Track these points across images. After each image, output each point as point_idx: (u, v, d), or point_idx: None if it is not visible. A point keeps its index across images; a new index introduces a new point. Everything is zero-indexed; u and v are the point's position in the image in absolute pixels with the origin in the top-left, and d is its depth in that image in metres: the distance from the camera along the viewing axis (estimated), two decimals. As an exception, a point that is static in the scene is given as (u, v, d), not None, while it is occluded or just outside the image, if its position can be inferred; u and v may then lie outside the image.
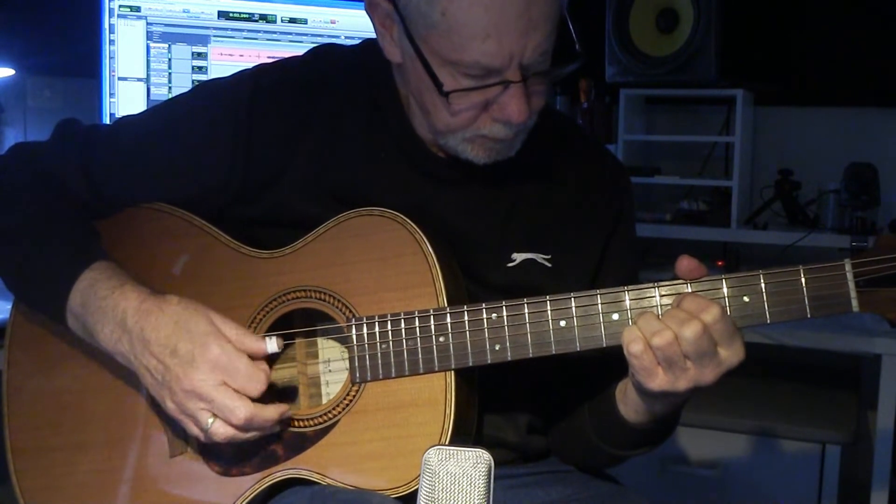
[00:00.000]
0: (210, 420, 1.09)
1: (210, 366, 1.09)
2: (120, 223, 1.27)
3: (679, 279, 1.07)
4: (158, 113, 1.31)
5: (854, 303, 1.02)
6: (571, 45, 1.11)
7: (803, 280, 1.04)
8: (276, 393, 1.19)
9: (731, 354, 1.04)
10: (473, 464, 0.86)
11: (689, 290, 1.06)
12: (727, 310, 1.05)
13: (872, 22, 2.67)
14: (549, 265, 1.24)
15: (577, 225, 1.27)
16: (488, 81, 1.08)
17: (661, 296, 1.07)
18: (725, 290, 1.05)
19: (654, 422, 1.17)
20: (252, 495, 1.15)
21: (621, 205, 1.31)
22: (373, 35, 1.20)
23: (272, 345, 1.13)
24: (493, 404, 1.23)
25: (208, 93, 1.28)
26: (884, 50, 2.64)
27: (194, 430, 1.12)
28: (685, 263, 1.07)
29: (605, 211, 1.29)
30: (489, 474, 0.86)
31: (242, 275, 1.20)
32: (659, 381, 1.05)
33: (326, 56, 1.28)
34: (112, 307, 1.14)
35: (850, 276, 1.03)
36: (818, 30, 2.73)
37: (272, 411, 1.12)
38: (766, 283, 1.04)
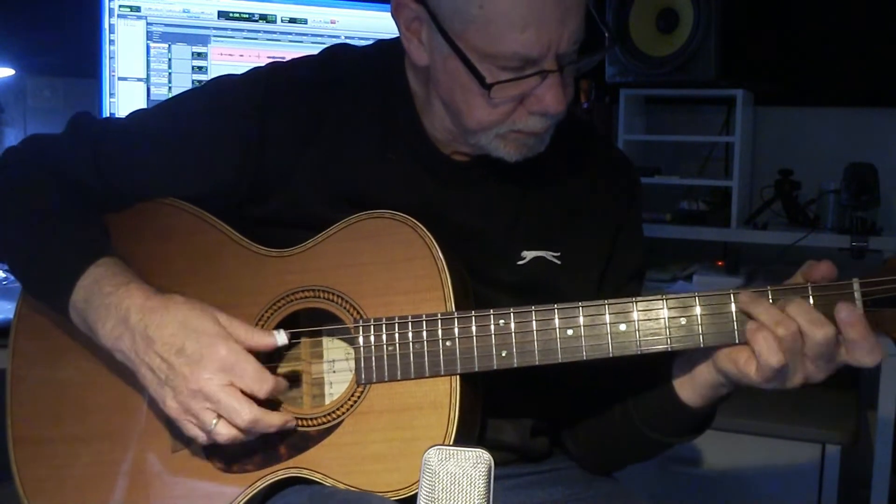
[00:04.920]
0: (214, 421, 1.09)
1: (218, 366, 1.09)
2: (131, 217, 1.26)
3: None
4: (172, 108, 1.31)
5: None
6: (598, 35, 1.12)
7: (811, 298, 1.03)
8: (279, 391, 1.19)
9: (851, 359, 1.03)
10: (473, 464, 0.86)
11: (698, 303, 1.06)
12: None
13: (872, 22, 2.67)
14: (559, 262, 1.24)
15: (587, 221, 1.27)
16: (526, 72, 1.08)
17: (669, 308, 1.07)
18: (733, 305, 1.06)
19: (714, 405, 1.17)
20: (252, 493, 1.15)
21: (630, 203, 1.31)
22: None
23: (281, 337, 1.13)
24: (498, 408, 1.23)
25: (222, 89, 1.28)
26: (884, 50, 2.64)
27: (195, 430, 1.11)
28: (823, 269, 1.05)
29: (613, 207, 1.29)
30: (489, 474, 0.86)
31: (251, 272, 1.20)
32: (777, 379, 1.04)
33: (339, 57, 1.28)
34: (116, 304, 1.13)
35: (857, 295, 1.02)
36: (818, 30, 2.73)
37: (277, 417, 1.12)
38: (773, 300, 1.04)
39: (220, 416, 1.09)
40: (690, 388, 1.16)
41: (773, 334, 1.02)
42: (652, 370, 1.19)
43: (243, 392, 1.10)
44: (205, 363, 1.09)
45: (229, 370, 1.09)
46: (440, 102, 1.18)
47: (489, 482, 0.85)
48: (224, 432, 1.10)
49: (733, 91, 2.61)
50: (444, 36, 1.09)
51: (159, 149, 1.26)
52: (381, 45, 1.26)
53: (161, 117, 1.30)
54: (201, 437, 1.11)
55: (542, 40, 1.06)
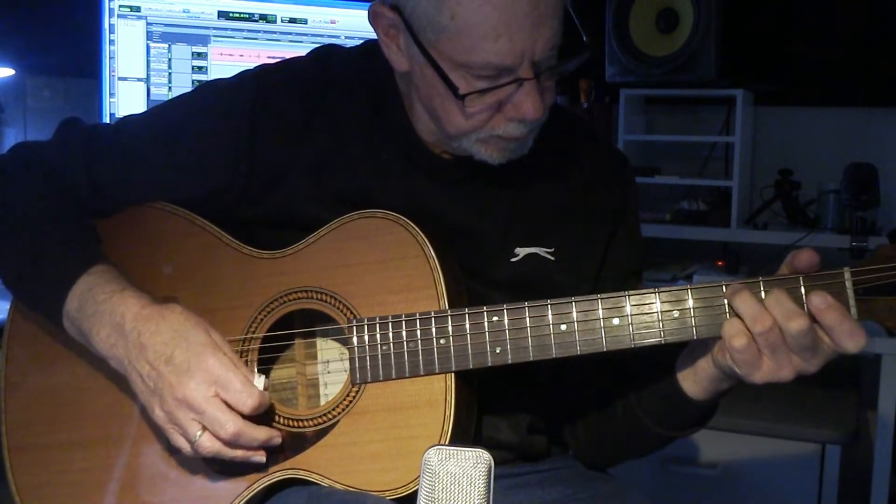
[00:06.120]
0: (199, 432, 1.09)
1: (204, 376, 1.09)
2: (122, 222, 1.27)
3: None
4: (162, 113, 1.31)
5: (853, 311, 1.02)
6: (577, 38, 1.11)
7: (802, 288, 1.03)
8: (273, 392, 1.19)
9: (836, 346, 1.02)
10: (473, 464, 0.86)
11: (690, 296, 1.06)
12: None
13: (872, 22, 2.67)
14: (552, 258, 1.24)
15: (580, 218, 1.27)
16: (501, 81, 1.08)
17: (662, 302, 1.07)
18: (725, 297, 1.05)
19: (718, 397, 1.17)
20: (250, 495, 1.15)
21: (625, 199, 1.31)
22: (371, 35, 1.19)
23: (259, 382, 1.12)
24: (494, 405, 1.23)
25: (211, 93, 1.28)
26: (883, 50, 2.64)
27: (180, 440, 1.11)
28: (806, 257, 1.04)
29: (608, 205, 1.29)
30: (489, 474, 0.86)
31: (244, 275, 1.20)
32: (763, 371, 1.03)
33: (328, 57, 1.28)
34: (110, 311, 1.14)
35: (848, 284, 1.02)
36: (818, 30, 2.73)
37: (262, 432, 1.11)
38: (766, 291, 1.04)
39: (205, 428, 1.09)
40: (693, 381, 1.16)
41: (750, 329, 1.01)
42: (655, 364, 1.19)
43: (228, 405, 1.10)
44: (192, 373, 1.09)
45: (215, 381, 1.09)
46: (422, 106, 1.18)
47: (489, 482, 0.86)
48: (208, 445, 1.09)
49: (733, 91, 2.61)
50: (419, 45, 1.09)
51: (151, 152, 1.26)
52: (369, 44, 1.26)
53: (152, 121, 1.30)
54: (186, 447, 1.11)
55: (516, 49, 1.05)
